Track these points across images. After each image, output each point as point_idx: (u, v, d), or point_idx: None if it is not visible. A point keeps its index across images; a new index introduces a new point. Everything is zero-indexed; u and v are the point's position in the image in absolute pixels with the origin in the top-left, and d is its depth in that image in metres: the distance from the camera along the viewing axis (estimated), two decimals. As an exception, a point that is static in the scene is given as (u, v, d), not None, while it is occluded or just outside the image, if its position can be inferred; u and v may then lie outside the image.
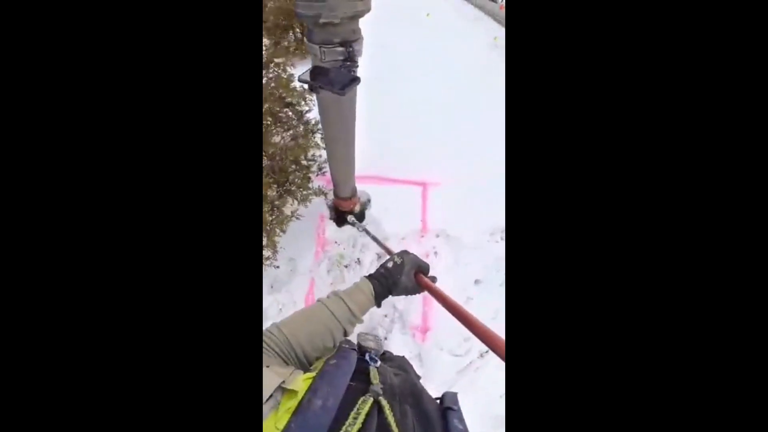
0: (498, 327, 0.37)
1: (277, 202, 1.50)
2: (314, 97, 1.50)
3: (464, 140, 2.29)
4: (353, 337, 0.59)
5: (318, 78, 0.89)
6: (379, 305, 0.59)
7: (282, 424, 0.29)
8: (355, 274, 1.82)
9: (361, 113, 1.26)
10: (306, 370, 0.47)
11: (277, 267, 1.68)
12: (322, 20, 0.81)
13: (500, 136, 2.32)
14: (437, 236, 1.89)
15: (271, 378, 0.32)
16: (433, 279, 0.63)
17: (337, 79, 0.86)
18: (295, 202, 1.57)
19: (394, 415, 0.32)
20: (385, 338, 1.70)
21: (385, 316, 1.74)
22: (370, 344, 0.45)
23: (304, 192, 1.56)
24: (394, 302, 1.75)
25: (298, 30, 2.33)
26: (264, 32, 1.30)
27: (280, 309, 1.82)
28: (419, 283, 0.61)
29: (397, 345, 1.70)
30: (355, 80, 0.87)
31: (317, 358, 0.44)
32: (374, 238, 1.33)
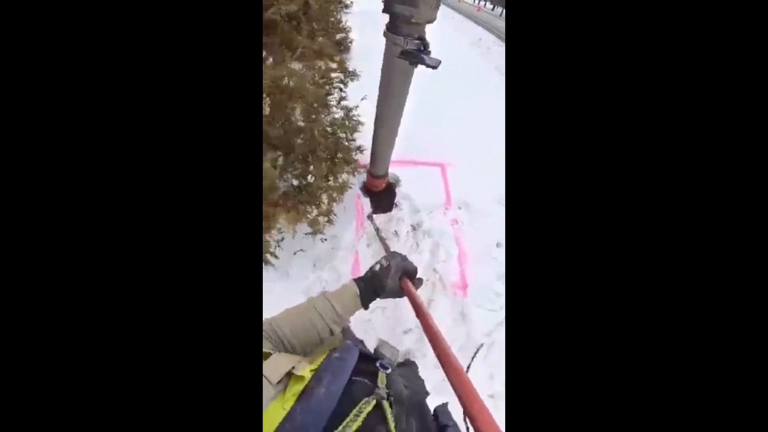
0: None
1: (330, 175, 1.61)
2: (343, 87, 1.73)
3: (466, 128, 2.67)
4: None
5: (409, 57, 1.22)
6: (366, 307, 0.61)
7: (288, 405, 0.31)
8: (393, 246, 1.94)
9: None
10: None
11: (325, 240, 1.74)
12: (413, 20, 1.15)
13: (494, 122, 2.76)
14: (459, 208, 2.13)
15: (282, 363, 0.34)
16: (419, 281, 0.67)
17: (428, 60, 1.19)
18: (345, 175, 1.69)
19: (397, 424, 0.33)
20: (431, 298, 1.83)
21: (427, 280, 1.88)
22: (386, 352, 0.47)
23: (352, 166, 1.70)
24: (434, 266, 1.90)
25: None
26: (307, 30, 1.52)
27: (323, 286, 1.85)
28: (402, 287, 0.63)
29: (443, 306, 1.84)
30: (440, 62, 1.21)
31: (305, 354, 0.47)
32: (381, 239, 1.80)
